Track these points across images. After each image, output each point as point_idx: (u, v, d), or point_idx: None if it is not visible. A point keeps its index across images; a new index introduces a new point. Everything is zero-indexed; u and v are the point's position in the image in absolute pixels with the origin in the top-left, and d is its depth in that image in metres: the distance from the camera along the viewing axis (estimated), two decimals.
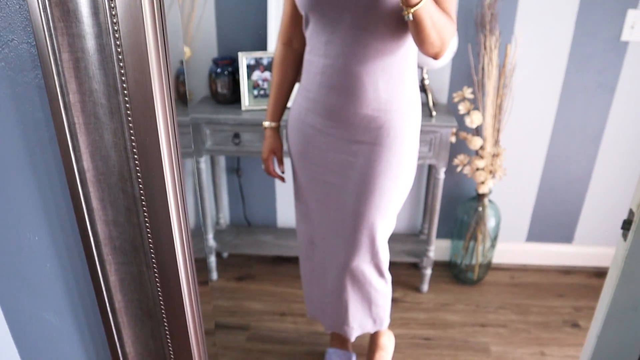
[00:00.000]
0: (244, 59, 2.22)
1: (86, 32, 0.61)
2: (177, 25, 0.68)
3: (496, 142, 2.28)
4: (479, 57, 2.23)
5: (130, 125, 0.66)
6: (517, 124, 2.40)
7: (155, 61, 0.61)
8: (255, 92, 2.25)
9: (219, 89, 2.31)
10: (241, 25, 2.34)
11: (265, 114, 1.79)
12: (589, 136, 2.46)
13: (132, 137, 0.67)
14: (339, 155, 1.53)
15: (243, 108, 2.25)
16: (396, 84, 1.45)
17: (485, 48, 2.15)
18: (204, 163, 2.33)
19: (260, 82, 2.24)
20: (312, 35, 1.46)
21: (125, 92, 0.63)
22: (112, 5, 0.59)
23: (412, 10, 1.20)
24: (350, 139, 1.49)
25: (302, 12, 1.46)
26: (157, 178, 0.70)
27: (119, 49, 0.61)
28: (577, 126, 2.43)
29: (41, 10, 0.60)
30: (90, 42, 0.62)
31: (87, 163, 0.69)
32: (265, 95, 2.25)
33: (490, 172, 2.31)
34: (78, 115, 0.66)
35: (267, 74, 2.24)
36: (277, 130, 1.74)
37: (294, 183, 1.74)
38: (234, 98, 2.31)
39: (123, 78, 0.62)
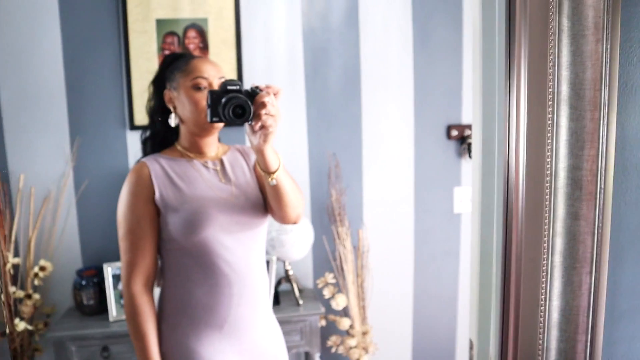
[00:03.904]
0: (109, 270, 2.22)
1: None
2: None
3: (364, 320, 2.42)
4: (335, 244, 2.43)
5: None
6: (381, 299, 2.57)
7: None
8: (122, 302, 2.23)
9: (85, 301, 2.25)
10: (105, 234, 2.37)
11: None
12: (447, 299, 2.69)
13: None
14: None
15: (111, 319, 2.20)
16: (267, 285, 1.57)
17: (338, 237, 2.37)
18: None
19: None
20: (193, 266, 1.43)
21: None
22: None
23: (274, 175, 1.34)
24: (262, 342, 1.52)
25: (188, 244, 1.42)
26: None
27: None
28: (434, 292, 2.66)
29: None
30: None
31: None
32: None
33: (364, 348, 2.41)
34: None
35: None
36: None
37: None
38: (101, 309, 2.26)
39: None
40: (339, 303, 2.32)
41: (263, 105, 1.24)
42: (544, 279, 0.73)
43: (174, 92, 1.47)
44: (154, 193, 1.43)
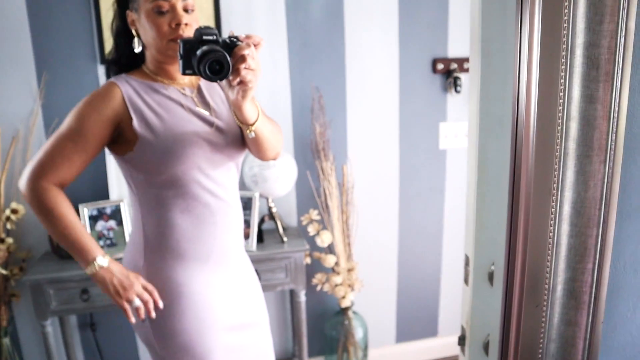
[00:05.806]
0: (86, 210, 2.14)
1: None
2: None
3: (349, 257, 2.39)
4: (319, 180, 2.37)
5: None
6: (366, 236, 2.54)
7: None
8: (101, 243, 2.15)
9: None
10: (80, 175, 2.26)
11: (87, 254, 1.31)
12: (432, 235, 2.67)
13: None
14: (243, 292, 1.50)
15: None
16: (242, 215, 1.52)
17: (323, 172, 2.30)
18: (51, 326, 2.13)
19: (105, 232, 2.16)
20: (174, 197, 1.35)
21: None
22: None
23: (253, 127, 1.27)
24: (243, 274, 1.51)
25: (170, 174, 1.33)
26: None
27: None
28: (419, 228, 2.64)
29: None
30: None
31: None
32: (112, 245, 2.16)
33: (349, 285, 2.39)
34: None
35: (112, 223, 2.16)
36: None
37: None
38: None
39: None
40: (324, 240, 2.28)
41: (243, 59, 1.14)
42: (556, 166, 0.67)
43: (135, 14, 1.35)
44: (123, 117, 1.32)
